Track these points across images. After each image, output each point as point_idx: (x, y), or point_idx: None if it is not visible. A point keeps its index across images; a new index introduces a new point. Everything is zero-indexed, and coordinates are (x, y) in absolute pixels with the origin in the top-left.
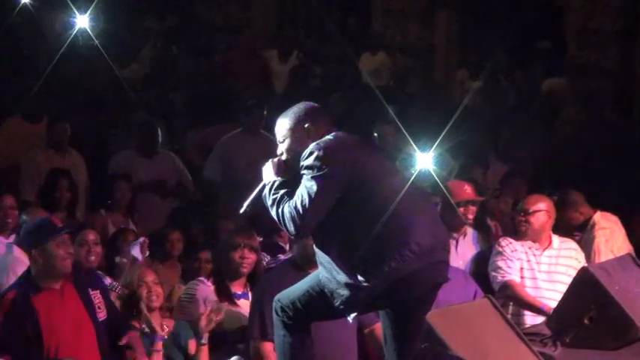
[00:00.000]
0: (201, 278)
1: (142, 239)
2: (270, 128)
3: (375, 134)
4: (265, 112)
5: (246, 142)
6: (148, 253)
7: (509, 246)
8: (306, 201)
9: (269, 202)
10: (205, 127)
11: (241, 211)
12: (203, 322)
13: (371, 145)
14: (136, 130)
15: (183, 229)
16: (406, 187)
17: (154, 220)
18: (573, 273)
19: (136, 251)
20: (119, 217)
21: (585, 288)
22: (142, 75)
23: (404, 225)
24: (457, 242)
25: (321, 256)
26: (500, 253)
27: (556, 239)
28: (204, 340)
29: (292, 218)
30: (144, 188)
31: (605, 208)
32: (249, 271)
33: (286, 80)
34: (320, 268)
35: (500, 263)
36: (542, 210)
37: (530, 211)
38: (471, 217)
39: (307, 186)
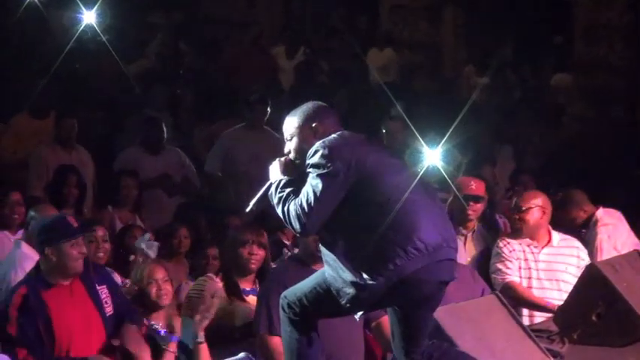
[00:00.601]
0: (210, 275)
1: (147, 235)
2: (275, 124)
3: (383, 130)
4: (268, 107)
5: (248, 137)
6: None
7: (507, 246)
8: (312, 199)
9: (275, 201)
10: (212, 123)
11: (247, 210)
12: (197, 319)
13: (377, 142)
14: (142, 126)
15: (190, 224)
16: (413, 184)
17: (161, 216)
18: (574, 270)
19: (147, 247)
20: (126, 214)
21: (593, 284)
22: (148, 70)
23: (409, 222)
24: (466, 239)
25: (326, 254)
26: (498, 255)
27: (556, 236)
28: (200, 339)
29: (298, 216)
30: (150, 184)
31: (610, 206)
32: (257, 268)
33: (293, 76)
34: (325, 266)
35: (500, 265)
36: (535, 206)
37: (524, 208)
38: (472, 213)
39: (313, 184)
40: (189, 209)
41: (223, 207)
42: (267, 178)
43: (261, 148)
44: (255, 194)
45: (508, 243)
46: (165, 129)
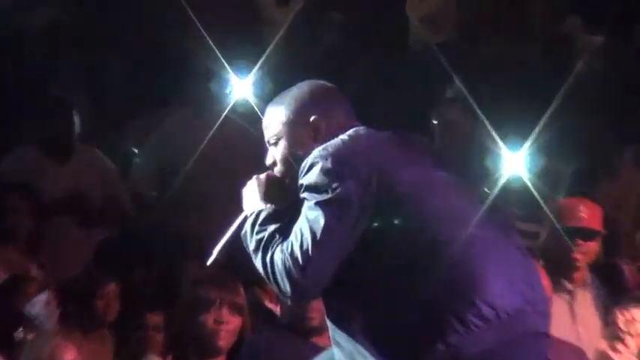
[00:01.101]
0: (151, 356)
1: (44, 296)
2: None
3: (434, 122)
4: (232, 85)
5: (200, 131)
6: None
7: (625, 315)
8: (309, 242)
9: (251, 246)
10: (158, 110)
11: (209, 261)
12: None
13: (417, 144)
14: (41, 114)
15: (119, 275)
16: (478, 213)
17: (71, 262)
18: None
19: (41, 314)
20: (15, 256)
21: None
22: (54, 24)
23: (471, 276)
24: (572, 298)
25: (335, 331)
26: (610, 328)
27: None
28: None
29: (287, 270)
30: (54, 209)
31: None
32: (229, 345)
33: (286, 34)
34: (334, 348)
35: (608, 344)
36: None
37: None
38: (580, 258)
39: (310, 218)
40: (117, 250)
41: (174, 246)
42: (238, 207)
43: (221, 150)
44: (220, 234)
45: (627, 311)
46: (78, 119)
